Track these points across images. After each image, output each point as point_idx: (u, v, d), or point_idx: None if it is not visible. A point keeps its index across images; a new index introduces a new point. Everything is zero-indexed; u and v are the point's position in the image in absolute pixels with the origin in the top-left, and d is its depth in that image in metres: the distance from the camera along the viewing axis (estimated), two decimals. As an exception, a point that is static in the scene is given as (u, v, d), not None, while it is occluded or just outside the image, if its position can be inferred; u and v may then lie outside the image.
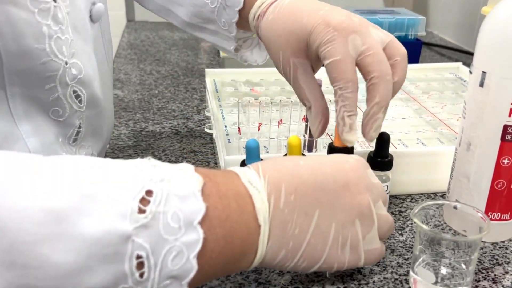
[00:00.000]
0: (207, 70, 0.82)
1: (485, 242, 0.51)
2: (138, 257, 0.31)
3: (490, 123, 0.47)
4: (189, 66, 1.08)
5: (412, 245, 0.51)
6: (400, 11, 1.03)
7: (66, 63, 0.44)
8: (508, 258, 0.49)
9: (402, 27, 0.98)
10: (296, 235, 0.39)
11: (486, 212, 0.49)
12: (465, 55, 1.17)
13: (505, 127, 0.46)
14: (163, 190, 0.33)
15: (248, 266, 0.39)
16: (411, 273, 0.45)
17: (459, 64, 0.91)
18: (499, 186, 0.48)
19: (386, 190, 0.53)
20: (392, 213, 0.56)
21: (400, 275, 0.46)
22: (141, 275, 0.31)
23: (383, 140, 0.52)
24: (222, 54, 0.99)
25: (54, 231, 0.29)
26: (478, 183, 0.49)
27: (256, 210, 0.38)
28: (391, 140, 0.53)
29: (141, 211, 0.31)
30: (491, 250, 0.50)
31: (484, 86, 0.46)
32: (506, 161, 0.47)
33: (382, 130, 0.50)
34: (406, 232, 0.53)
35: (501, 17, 0.45)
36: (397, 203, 0.58)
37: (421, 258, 0.45)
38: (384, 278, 0.46)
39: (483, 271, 0.47)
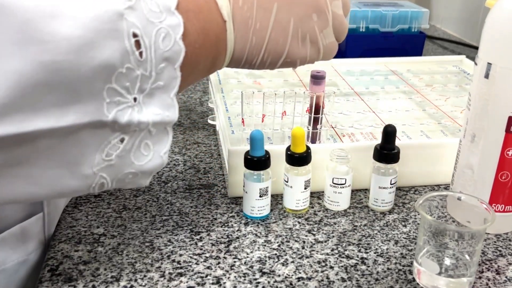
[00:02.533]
0: (210, 62, 0.82)
1: (489, 233, 0.51)
2: (134, 35, 0.34)
3: (494, 114, 0.47)
4: (192, 58, 1.07)
5: (415, 236, 0.51)
6: (403, 3, 1.03)
7: None
8: (512, 250, 0.49)
9: (406, 20, 0.97)
10: (258, 29, 0.42)
11: (490, 203, 0.49)
12: (468, 49, 1.17)
13: (510, 118, 0.46)
14: None
15: (222, 63, 0.43)
16: (415, 263, 0.45)
17: (463, 57, 0.90)
18: (503, 177, 0.48)
19: (394, 183, 0.53)
20: (395, 205, 0.56)
21: (404, 265, 0.46)
22: (140, 54, 0.34)
23: (389, 132, 0.52)
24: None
25: (58, 7, 0.31)
26: (482, 174, 0.49)
27: (219, 6, 0.41)
28: (395, 131, 0.53)
29: None
30: (495, 242, 0.50)
31: (489, 77, 0.46)
32: (510, 152, 0.47)
33: (386, 122, 0.50)
34: (409, 224, 0.53)
35: (507, 8, 0.45)
36: (401, 195, 0.58)
37: (425, 249, 0.45)
38: (388, 268, 0.46)
39: (487, 262, 0.47)
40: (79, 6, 0.32)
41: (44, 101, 0.31)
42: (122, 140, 0.36)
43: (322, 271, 0.45)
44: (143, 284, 0.44)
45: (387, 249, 0.49)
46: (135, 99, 0.35)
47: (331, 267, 0.46)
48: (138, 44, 0.34)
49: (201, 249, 0.48)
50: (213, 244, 0.49)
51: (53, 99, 0.32)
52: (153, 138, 0.38)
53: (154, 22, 0.35)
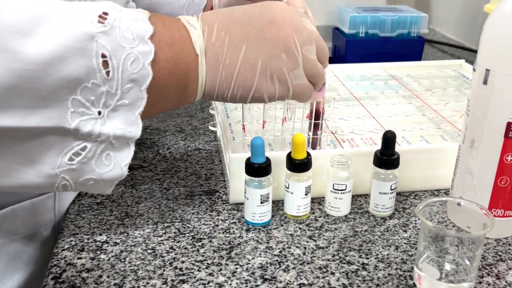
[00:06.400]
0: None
1: (489, 238, 0.52)
2: (103, 56, 0.37)
3: (493, 120, 0.47)
4: (192, 64, 1.08)
5: (416, 241, 0.51)
6: (402, 8, 1.04)
7: None
8: (512, 254, 0.49)
9: (405, 25, 0.98)
10: (227, 65, 0.45)
11: (490, 208, 0.50)
12: (468, 52, 1.17)
13: (509, 124, 0.46)
14: (117, 13, 0.39)
15: (194, 94, 0.46)
16: (415, 269, 0.45)
17: (462, 61, 0.91)
18: (502, 182, 0.49)
19: (394, 188, 0.54)
20: (396, 210, 0.56)
21: (404, 271, 0.47)
22: (107, 73, 0.38)
23: (389, 138, 0.52)
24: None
25: (36, 24, 0.35)
26: (481, 179, 0.49)
27: (193, 42, 0.44)
28: (395, 137, 0.53)
29: (101, 22, 0.38)
30: (495, 247, 0.50)
31: (488, 83, 0.47)
32: (509, 158, 0.48)
33: (386, 127, 0.50)
34: (410, 229, 0.53)
35: (505, 14, 0.45)
36: (401, 200, 0.58)
37: (425, 254, 0.45)
38: (389, 274, 0.46)
39: (487, 267, 0.48)
40: (56, 25, 0.35)
41: (12, 102, 0.35)
42: (84, 148, 0.39)
43: (323, 277, 0.46)
44: (146, 291, 0.44)
45: (387, 254, 0.49)
46: (99, 113, 0.39)
47: (332, 273, 0.46)
48: (106, 64, 0.38)
49: (203, 255, 0.48)
50: (215, 251, 0.49)
51: (20, 101, 0.35)
52: (115, 150, 0.41)
53: (125, 47, 0.38)
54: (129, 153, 0.42)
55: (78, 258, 0.48)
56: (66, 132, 0.38)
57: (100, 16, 0.38)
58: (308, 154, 0.52)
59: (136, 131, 0.41)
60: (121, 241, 0.50)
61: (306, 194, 0.53)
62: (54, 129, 0.37)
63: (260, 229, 0.52)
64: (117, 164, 0.42)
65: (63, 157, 0.39)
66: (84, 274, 0.46)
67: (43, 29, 0.35)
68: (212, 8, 0.70)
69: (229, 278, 0.45)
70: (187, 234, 0.51)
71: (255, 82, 0.46)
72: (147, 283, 0.45)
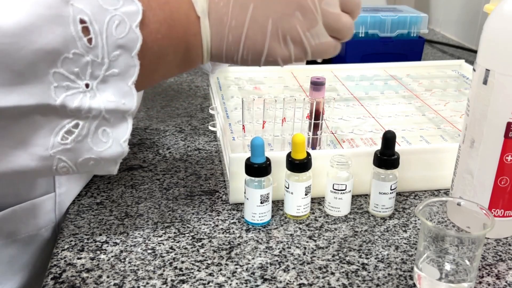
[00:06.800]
0: (210, 68, 0.82)
1: (489, 238, 0.52)
2: (82, 21, 0.33)
3: (493, 120, 0.47)
4: (192, 64, 1.08)
5: (416, 241, 0.51)
6: (402, 8, 1.04)
7: None
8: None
9: (405, 25, 0.98)
10: (234, 27, 0.41)
11: (490, 208, 0.50)
12: (467, 52, 1.17)
13: (509, 124, 0.46)
14: None
15: (199, 58, 0.42)
16: (415, 269, 0.45)
17: (462, 61, 0.91)
18: (502, 183, 0.49)
19: (394, 188, 0.54)
20: (396, 210, 0.56)
21: (404, 271, 0.47)
22: (89, 41, 0.34)
23: (388, 138, 0.52)
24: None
25: None
26: (481, 179, 0.49)
27: (193, 1, 0.40)
28: (395, 137, 0.53)
29: None
30: (495, 247, 0.50)
31: (488, 83, 0.47)
32: (509, 158, 0.48)
33: (386, 127, 0.50)
34: (410, 229, 0.53)
35: (505, 14, 0.45)
36: (401, 200, 0.58)
37: (425, 255, 0.45)
38: (389, 274, 0.46)
39: (487, 267, 0.48)
40: None
41: None
42: (77, 125, 0.36)
43: (323, 277, 0.46)
44: (146, 291, 0.44)
45: (387, 254, 0.49)
46: (87, 85, 0.35)
47: (332, 273, 0.46)
48: (87, 30, 0.34)
49: (202, 256, 0.48)
50: (214, 251, 0.49)
51: None
52: (111, 125, 0.38)
53: (108, 9, 0.34)
54: (127, 127, 0.38)
55: (78, 258, 0.48)
56: (52, 109, 0.35)
57: None
58: (308, 154, 0.52)
59: (130, 102, 0.37)
60: (121, 241, 0.50)
61: (306, 194, 0.53)
62: (38, 107, 0.34)
63: (260, 229, 0.52)
64: (115, 141, 0.38)
65: (55, 136, 0.36)
66: (84, 274, 0.46)
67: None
68: None
69: (229, 278, 0.45)
70: (187, 234, 0.51)
71: (266, 45, 0.41)
72: (147, 283, 0.45)
